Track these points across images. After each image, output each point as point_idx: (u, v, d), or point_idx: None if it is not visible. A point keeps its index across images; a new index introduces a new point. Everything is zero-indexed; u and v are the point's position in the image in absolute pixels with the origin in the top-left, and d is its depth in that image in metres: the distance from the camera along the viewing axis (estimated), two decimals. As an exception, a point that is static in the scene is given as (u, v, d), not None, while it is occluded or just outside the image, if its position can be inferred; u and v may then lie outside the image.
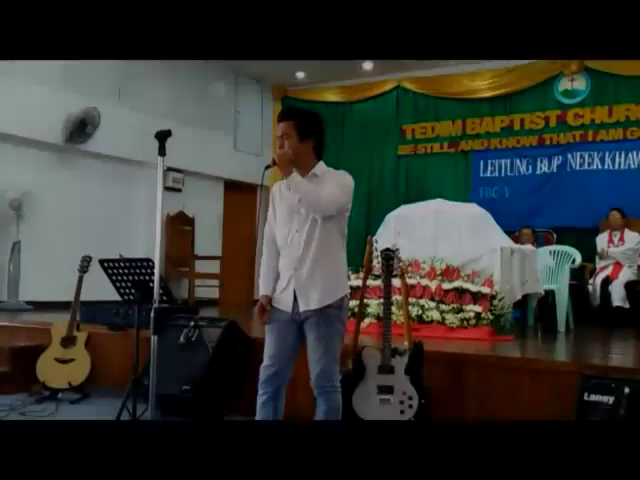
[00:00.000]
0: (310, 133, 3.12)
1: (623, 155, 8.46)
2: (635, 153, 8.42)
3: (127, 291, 4.18)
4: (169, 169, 8.71)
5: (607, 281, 7.46)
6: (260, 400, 3.11)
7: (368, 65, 9.79)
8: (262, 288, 3.18)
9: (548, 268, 6.97)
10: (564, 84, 8.91)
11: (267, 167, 3.11)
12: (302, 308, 3.05)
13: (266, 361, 3.12)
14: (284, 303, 3.10)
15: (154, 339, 3.08)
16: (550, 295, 6.80)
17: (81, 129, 7.80)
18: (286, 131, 3.09)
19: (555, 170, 8.90)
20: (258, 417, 3.11)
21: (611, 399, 3.29)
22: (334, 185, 3.05)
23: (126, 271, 4.12)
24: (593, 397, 3.35)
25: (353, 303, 5.55)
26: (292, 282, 3.07)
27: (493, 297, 5.51)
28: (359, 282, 5.61)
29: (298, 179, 3.02)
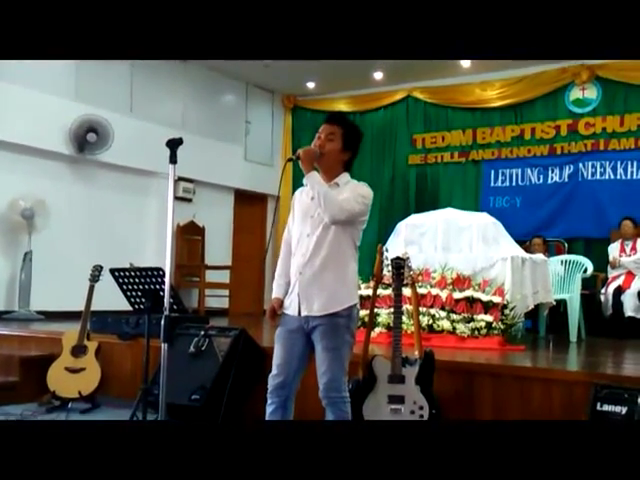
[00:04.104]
0: (352, 147, 3.16)
1: (635, 164, 8.39)
2: (646, 162, 8.37)
3: (138, 300, 4.18)
4: (180, 179, 8.73)
5: (619, 291, 7.40)
6: (268, 410, 3.10)
7: (378, 75, 9.80)
8: (274, 291, 3.20)
9: (559, 277, 6.92)
10: (575, 93, 8.87)
11: (290, 159, 3.12)
12: (304, 313, 3.04)
13: (274, 370, 3.11)
14: (291, 307, 3.10)
15: (164, 347, 3.07)
16: (562, 305, 6.75)
17: (85, 137, 7.81)
18: (333, 132, 3.10)
19: (566, 180, 8.84)
20: None
21: (624, 409, 3.27)
22: (350, 193, 3.06)
23: (137, 280, 4.12)
24: (606, 407, 3.32)
25: (363, 312, 5.54)
26: (297, 286, 3.07)
27: (504, 306, 5.47)
28: (369, 291, 5.61)
29: (316, 177, 3.04)
